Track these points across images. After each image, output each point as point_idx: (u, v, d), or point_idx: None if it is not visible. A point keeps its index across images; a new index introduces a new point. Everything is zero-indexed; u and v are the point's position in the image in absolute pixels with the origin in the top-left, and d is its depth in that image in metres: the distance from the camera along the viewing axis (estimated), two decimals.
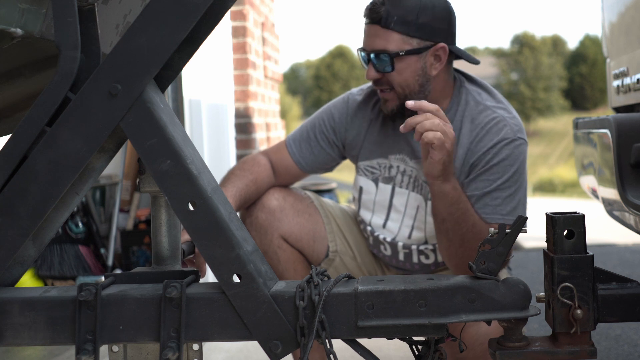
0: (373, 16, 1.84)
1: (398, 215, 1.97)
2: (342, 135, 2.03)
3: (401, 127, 1.61)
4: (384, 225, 1.99)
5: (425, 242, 1.96)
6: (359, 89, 2.09)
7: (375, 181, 2.00)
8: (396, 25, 1.82)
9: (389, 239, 1.98)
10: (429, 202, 1.91)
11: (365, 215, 2.03)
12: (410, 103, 1.60)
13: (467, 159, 1.84)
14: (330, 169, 2.11)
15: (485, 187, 1.80)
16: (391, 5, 1.82)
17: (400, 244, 1.97)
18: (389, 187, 1.98)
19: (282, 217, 1.95)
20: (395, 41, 1.83)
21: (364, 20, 1.89)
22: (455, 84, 1.94)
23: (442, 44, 1.85)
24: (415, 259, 1.98)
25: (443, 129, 1.58)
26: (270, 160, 2.03)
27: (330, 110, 2.05)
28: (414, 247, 1.97)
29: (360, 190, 2.03)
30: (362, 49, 1.89)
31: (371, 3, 1.87)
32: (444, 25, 1.85)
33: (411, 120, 1.59)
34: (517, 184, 1.82)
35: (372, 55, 1.85)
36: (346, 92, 2.10)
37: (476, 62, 1.96)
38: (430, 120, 1.58)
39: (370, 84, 2.07)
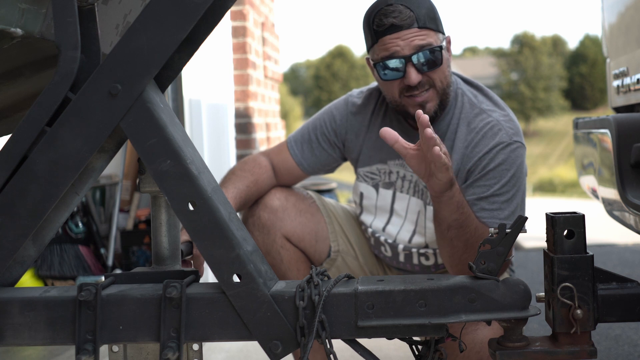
0: (405, 21, 1.76)
1: (399, 220, 1.97)
2: (343, 137, 2.02)
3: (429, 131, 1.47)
4: (384, 229, 1.99)
5: (426, 247, 1.95)
6: (358, 91, 2.08)
7: (376, 187, 1.99)
8: (428, 22, 1.79)
9: (389, 241, 1.98)
10: (429, 207, 1.90)
11: (366, 218, 2.03)
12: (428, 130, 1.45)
13: (464, 164, 1.83)
14: (331, 170, 2.10)
15: (482, 192, 1.78)
16: (414, 7, 1.78)
17: (400, 246, 1.97)
18: (389, 192, 1.97)
19: (284, 217, 1.94)
20: (433, 37, 1.80)
21: (381, 33, 1.78)
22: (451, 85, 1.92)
23: (448, 36, 1.86)
24: (415, 261, 1.98)
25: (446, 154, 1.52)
26: (272, 161, 2.02)
27: (332, 111, 2.04)
28: (414, 249, 1.96)
29: (361, 195, 2.02)
30: (390, 58, 1.78)
31: (387, 14, 1.77)
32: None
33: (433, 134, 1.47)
34: (515, 188, 1.80)
35: (414, 57, 1.76)
36: (346, 94, 2.09)
37: None
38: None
39: (370, 85, 2.06)
